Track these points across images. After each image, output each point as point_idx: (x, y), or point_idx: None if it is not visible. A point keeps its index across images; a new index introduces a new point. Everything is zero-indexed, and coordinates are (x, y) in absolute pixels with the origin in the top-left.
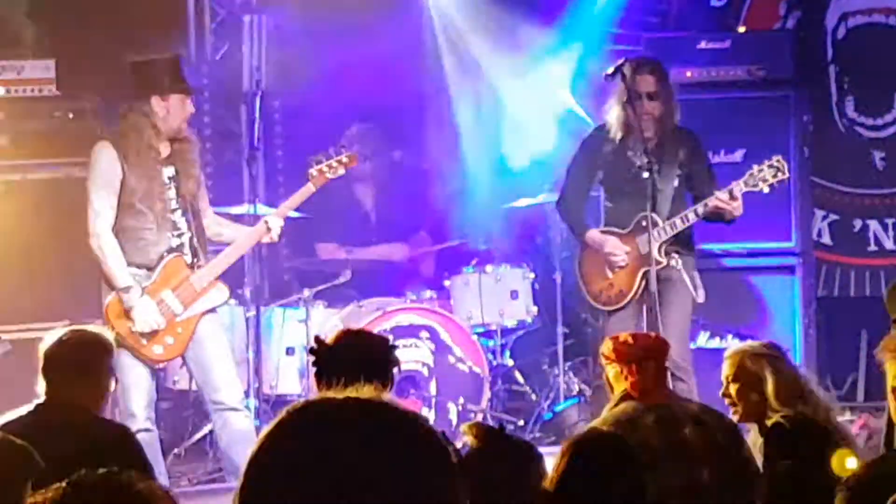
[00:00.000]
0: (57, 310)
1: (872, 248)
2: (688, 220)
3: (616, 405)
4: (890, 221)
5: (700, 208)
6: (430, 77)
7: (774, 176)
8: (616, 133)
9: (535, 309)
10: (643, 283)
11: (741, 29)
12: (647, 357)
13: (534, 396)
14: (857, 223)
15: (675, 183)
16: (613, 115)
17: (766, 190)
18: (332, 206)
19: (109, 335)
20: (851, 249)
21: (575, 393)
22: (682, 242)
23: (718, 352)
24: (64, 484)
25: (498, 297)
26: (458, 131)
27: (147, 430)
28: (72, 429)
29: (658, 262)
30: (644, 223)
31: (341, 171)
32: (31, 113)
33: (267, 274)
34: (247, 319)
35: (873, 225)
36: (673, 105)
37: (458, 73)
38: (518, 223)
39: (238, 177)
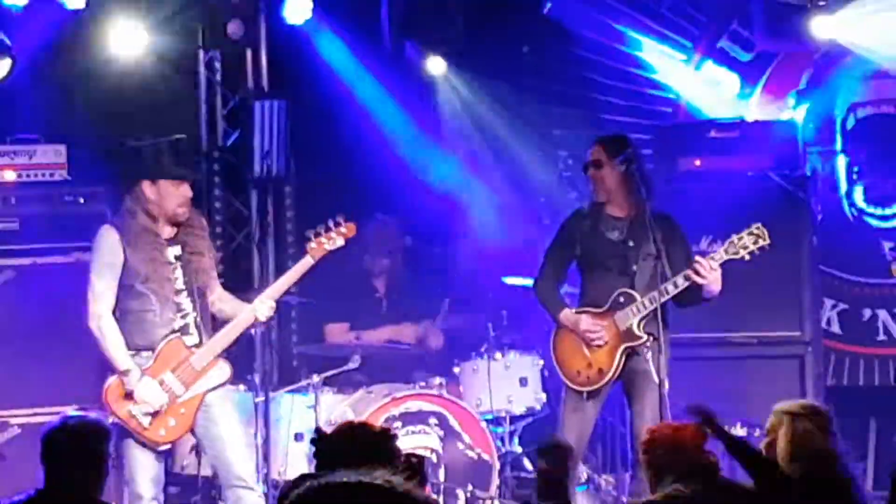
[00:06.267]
0: (66, 395)
1: (881, 337)
2: (667, 293)
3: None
4: None
5: (680, 279)
6: (443, 160)
7: (755, 243)
8: (591, 206)
9: (543, 396)
10: (622, 360)
11: (749, 118)
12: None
13: None
14: (867, 312)
15: (652, 262)
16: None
17: (747, 258)
18: (344, 291)
19: (107, 421)
20: (860, 339)
21: (583, 480)
22: (654, 324)
23: None
24: None
25: (507, 383)
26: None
27: None
28: None
29: (638, 338)
30: (622, 299)
31: (340, 242)
32: (43, 197)
33: (276, 359)
34: (255, 405)
35: (882, 314)
36: (636, 184)
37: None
38: (527, 308)
39: (248, 261)
